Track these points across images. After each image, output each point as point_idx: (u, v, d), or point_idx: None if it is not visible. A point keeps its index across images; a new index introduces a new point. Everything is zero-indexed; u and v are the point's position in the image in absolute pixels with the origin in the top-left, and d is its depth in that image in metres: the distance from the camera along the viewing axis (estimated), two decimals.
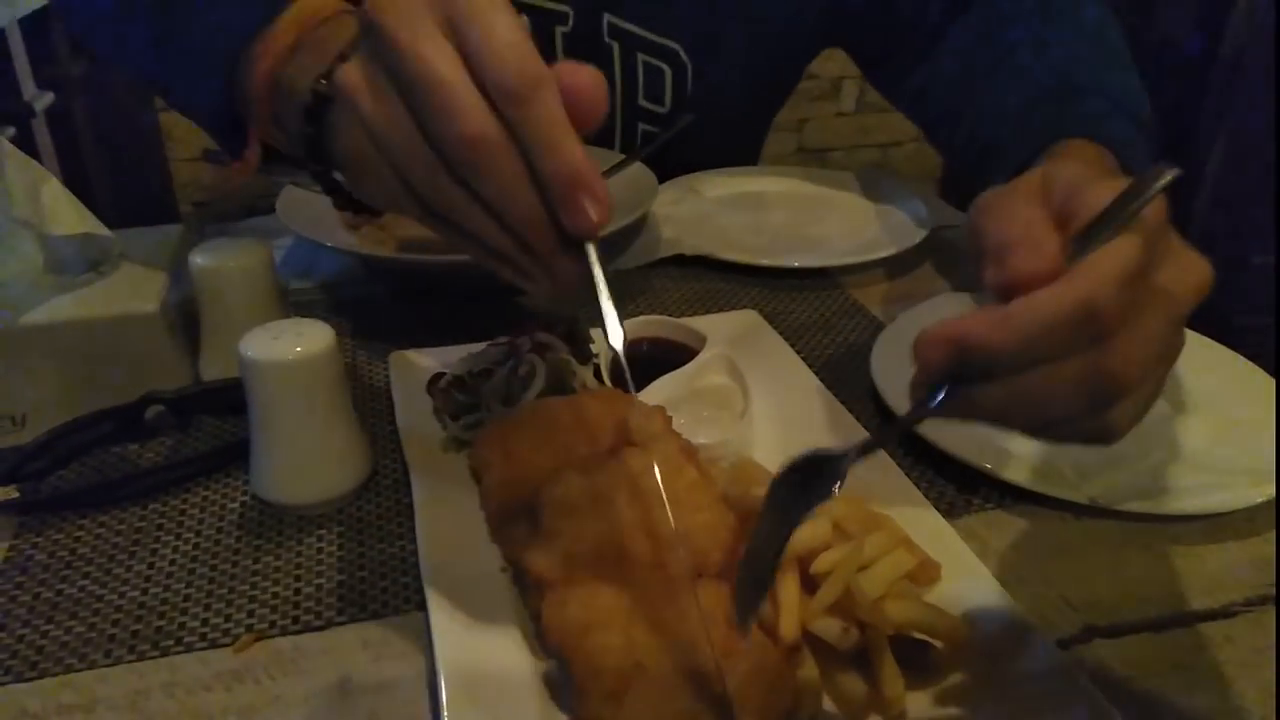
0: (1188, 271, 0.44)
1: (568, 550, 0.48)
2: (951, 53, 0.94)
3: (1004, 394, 0.41)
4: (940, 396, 0.42)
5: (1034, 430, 0.45)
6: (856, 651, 0.46)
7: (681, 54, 1.04)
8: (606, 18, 1.02)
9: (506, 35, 0.41)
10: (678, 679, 0.44)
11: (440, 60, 0.41)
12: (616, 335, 0.45)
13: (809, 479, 0.43)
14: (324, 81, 0.51)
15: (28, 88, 1.75)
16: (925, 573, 0.52)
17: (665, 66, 1.05)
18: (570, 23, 1.02)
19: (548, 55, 1.05)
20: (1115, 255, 0.40)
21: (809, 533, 0.49)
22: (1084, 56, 0.83)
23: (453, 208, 0.44)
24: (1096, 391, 0.41)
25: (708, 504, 0.51)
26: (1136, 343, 0.41)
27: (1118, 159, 0.68)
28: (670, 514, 0.48)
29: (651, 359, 0.70)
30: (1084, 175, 0.45)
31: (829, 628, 0.46)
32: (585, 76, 0.43)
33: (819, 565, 0.48)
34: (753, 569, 0.45)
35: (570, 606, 0.46)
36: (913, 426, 0.43)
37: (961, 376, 0.41)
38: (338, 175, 0.55)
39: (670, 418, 0.57)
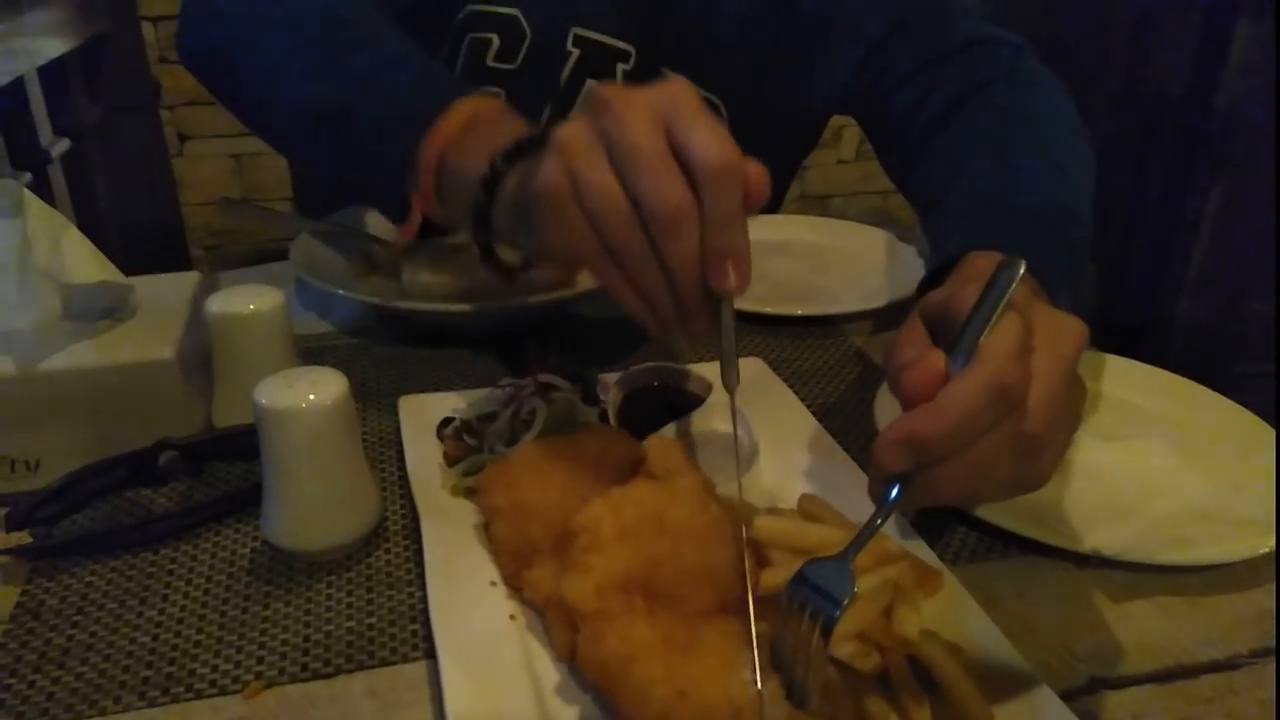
0: (1065, 332, 0.53)
1: (600, 583, 0.48)
2: (942, 152, 0.97)
3: (952, 470, 0.49)
4: (896, 490, 0.49)
5: (980, 497, 0.55)
6: (878, 675, 0.48)
7: (723, 110, 1.08)
8: (662, 68, 1.05)
9: (714, 126, 0.51)
10: (719, 707, 0.45)
11: (657, 141, 0.51)
12: (731, 380, 0.56)
13: (826, 578, 0.46)
14: (500, 159, 0.64)
15: (45, 134, 1.78)
16: (930, 582, 0.53)
17: None
18: (632, 61, 1.05)
19: None
20: (1004, 337, 0.49)
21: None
22: (1033, 170, 0.85)
23: (633, 257, 0.52)
24: (1022, 451, 0.50)
25: (729, 539, 0.52)
26: (1043, 403, 0.49)
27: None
28: (698, 548, 0.51)
29: (658, 405, 0.71)
30: (952, 289, 0.57)
31: (854, 652, 0.47)
32: (757, 168, 0.52)
33: None
34: (797, 668, 0.46)
35: (609, 640, 0.47)
36: (881, 525, 0.49)
37: (909, 476, 0.49)
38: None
39: (687, 453, 0.58)
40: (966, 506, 0.63)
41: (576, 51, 1.04)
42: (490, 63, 1.05)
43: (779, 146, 1.18)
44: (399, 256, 0.88)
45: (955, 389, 0.48)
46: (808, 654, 0.45)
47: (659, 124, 0.51)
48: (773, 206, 1.27)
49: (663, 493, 0.53)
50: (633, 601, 0.48)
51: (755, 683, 0.46)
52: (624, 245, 0.52)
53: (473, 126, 0.72)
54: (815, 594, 0.46)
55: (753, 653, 0.47)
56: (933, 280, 0.75)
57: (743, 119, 1.09)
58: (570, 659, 0.49)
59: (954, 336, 0.51)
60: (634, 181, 0.51)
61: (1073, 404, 0.53)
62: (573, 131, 0.53)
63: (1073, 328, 0.54)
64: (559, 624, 0.50)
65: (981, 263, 0.64)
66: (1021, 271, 0.52)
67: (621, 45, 1.05)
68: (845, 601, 0.45)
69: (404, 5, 0.99)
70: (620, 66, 1.06)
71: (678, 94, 0.52)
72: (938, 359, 0.50)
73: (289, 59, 0.83)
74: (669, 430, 0.66)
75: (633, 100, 0.52)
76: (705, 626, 0.48)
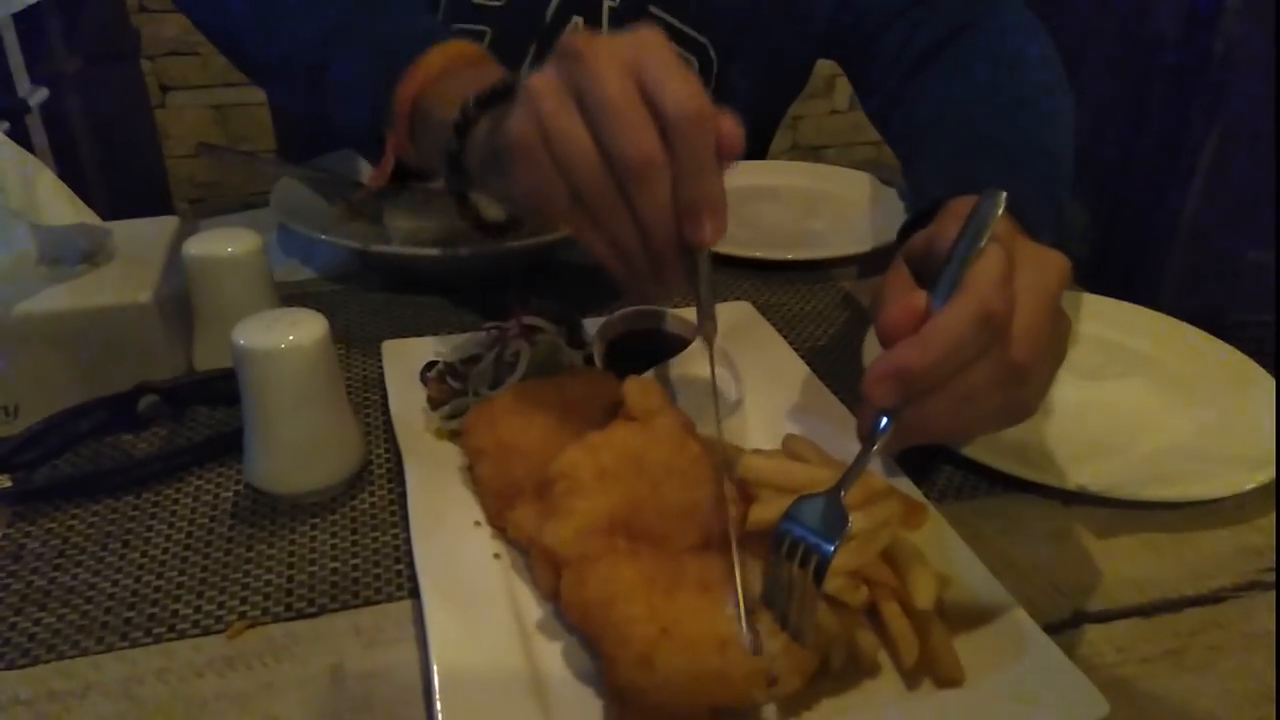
0: (1047, 264, 0.54)
1: (580, 527, 0.48)
2: (923, 98, 0.96)
3: (940, 402, 0.50)
4: (884, 423, 0.50)
5: (969, 431, 0.56)
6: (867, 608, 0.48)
7: (710, 50, 1.06)
8: (651, 7, 1.04)
9: (685, 76, 0.49)
10: (704, 641, 0.45)
11: (628, 90, 0.49)
12: (710, 331, 0.55)
13: (816, 515, 0.47)
14: (472, 105, 0.64)
15: (22, 84, 1.75)
16: (914, 517, 0.53)
17: (694, 59, 1.06)
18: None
19: (595, 26, 1.08)
20: (987, 267, 0.50)
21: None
22: (1014, 111, 0.85)
23: (605, 208, 0.51)
24: (1009, 380, 0.50)
25: (710, 478, 0.52)
26: (1028, 331, 0.50)
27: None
28: (679, 488, 0.51)
29: (644, 349, 0.71)
30: (934, 229, 0.58)
31: (842, 586, 0.47)
32: (730, 121, 0.51)
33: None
34: (790, 603, 0.46)
35: (590, 583, 0.47)
36: (870, 459, 0.49)
37: (897, 411, 0.50)
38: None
39: (665, 392, 0.57)
40: (955, 444, 0.63)
41: None
42: (476, 1, 1.03)
43: (766, 91, 1.16)
44: (373, 199, 0.87)
45: (940, 319, 0.49)
46: (801, 591, 0.45)
47: (630, 73, 0.50)
48: (759, 153, 1.26)
49: (641, 434, 0.53)
50: (615, 544, 0.48)
51: (740, 617, 0.45)
52: (595, 195, 0.51)
53: (449, 71, 0.72)
54: (807, 531, 0.46)
55: (737, 587, 0.47)
56: (915, 225, 0.74)
57: (730, 62, 1.08)
58: (555, 600, 0.49)
59: (936, 273, 0.52)
60: (604, 131, 0.50)
61: (1057, 335, 0.54)
62: (543, 80, 0.52)
63: (1055, 260, 0.55)
64: (543, 569, 0.50)
65: (963, 205, 0.64)
66: (1002, 202, 0.53)
67: None
68: (838, 539, 0.45)
69: None
70: (606, 4, 1.03)
71: (649, 42, 0.51)
72: (919, 297, 0.51)
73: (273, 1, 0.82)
74: (654, 375, 0.66)
75: (603, 49, 0.51)
76: (688, 564, 0.48)
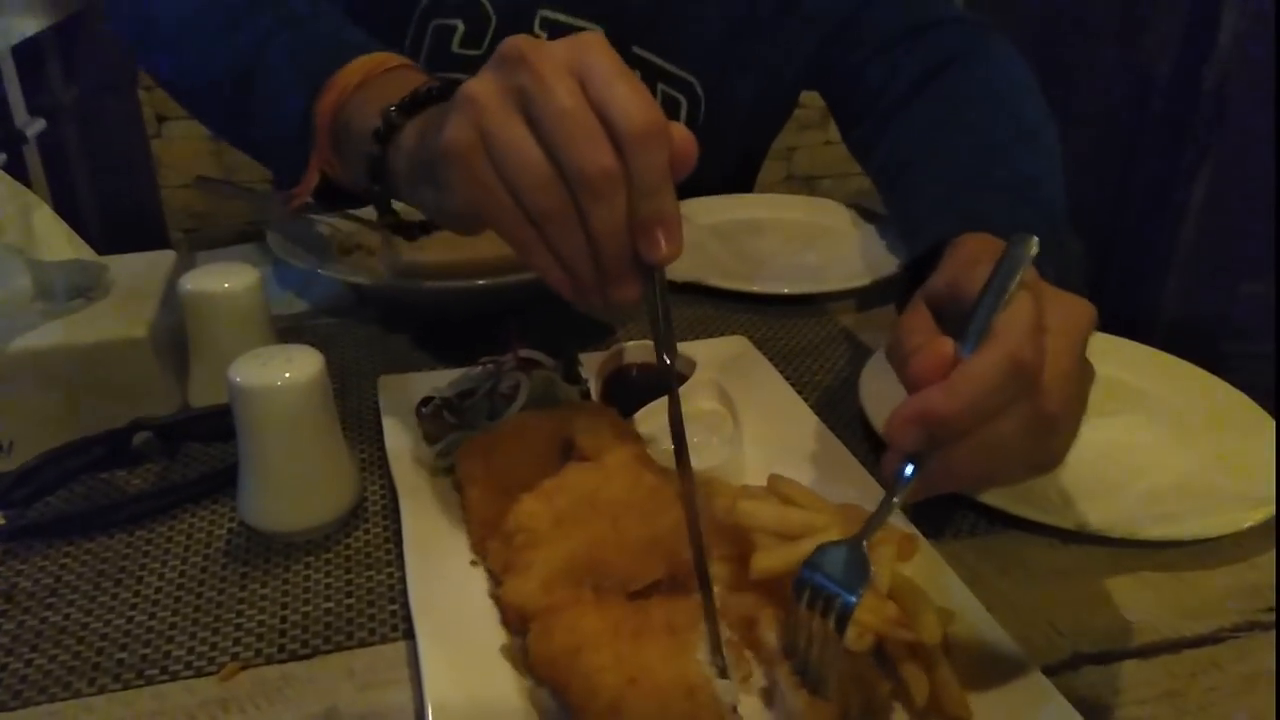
0: (1074, 311, 0.52)
1: (542, 579, 0.48)
2: (908, 129, 0.96)
3: (967, 451, 0.47)
4: (910, 471, 0.47)
5: (995, 480, 0.54)
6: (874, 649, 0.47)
7: (697, 86, 1.07)
8: (634, 48, 1.04)
9: (634, 85, 0.48)
10: (672, 687, 0.44)
11: (580, 100, 0.47)
12: (672, 352, 0.53)
13: (837, 564, 0.46)
14: (394, 111, 0.63)
15: (19, 114, 1.75)
16: (906, 548, 0.53)
17: (682, 98, 1.07)
18: None
19: None
20: (1018, 315, 0.48)
21: (815, 546, 0.50)
22: (1012, 147, 0.85)
23: (556, 222, 0.49)
24: (1038, 430, 0.49)
25: (671, 504, 0.52)
26: (1059, 381, 0.49)
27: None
28: (639, 522, 0.50)
29: (641, 384, 0.71)
30: (955, 271, 0.56)
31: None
32: (682, 133, 0.49)
33: None
34: (810, 653, 0.45)
35: (556, 634, 0.46)
36: (893, 509, 0.48)
37: (922, 455, 0.47)
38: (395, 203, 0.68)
39: (620, 424, 0.57)
40: (977, 493, 0.61)
41: (544, 34, 1.03)
42: (456, 49, 1.03)
43: (752, 124, 1.17)
44: (295, 217, 0.87)
45: (971, 366, 0.47)
46: (822, 642, 0.44)
47: (577, 80, 0.48)
48: (747, 184, 1.27)
49: (593, 473, 0.53)
50: (580, 593, 0.48)
51: (710, 663, 0.45)
52: (546, 210, 0.49)
53: (371, 80, 0.70)
54: (828, 581, 0.45)
55: (713, 627, 0.47)
56: (920, 260, 0.74)
57: (716, 97, 1.08)
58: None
59: (963, 319, 0.50)
60: (558, 143, 0.47)
61: (1084, 384, 0.52)
62: (483, 86, 0.49)
63: (1082, 307, 0.53)
64: (510, 619, 0.50)
65: (975, 244, 0.64)
66: (1034, 248, 0.51)
67: (588, 25, 1.03)
68: (860, 589, 0.44)
69: None
70: None
71: (594, 47, 0.49)
72: (945, 343, 0.49)
73: (198, 17, 0.82)
74: (651, 410, 0.65)
75: (548, 53, 0.48)
76: (654, 608, 0.48)
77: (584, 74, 0.48)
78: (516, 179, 0.48)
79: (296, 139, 0.74)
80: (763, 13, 1.06)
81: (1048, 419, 0.48)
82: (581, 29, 1.03)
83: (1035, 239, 0.51)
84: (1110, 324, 0.82)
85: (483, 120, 0.49)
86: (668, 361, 0.53)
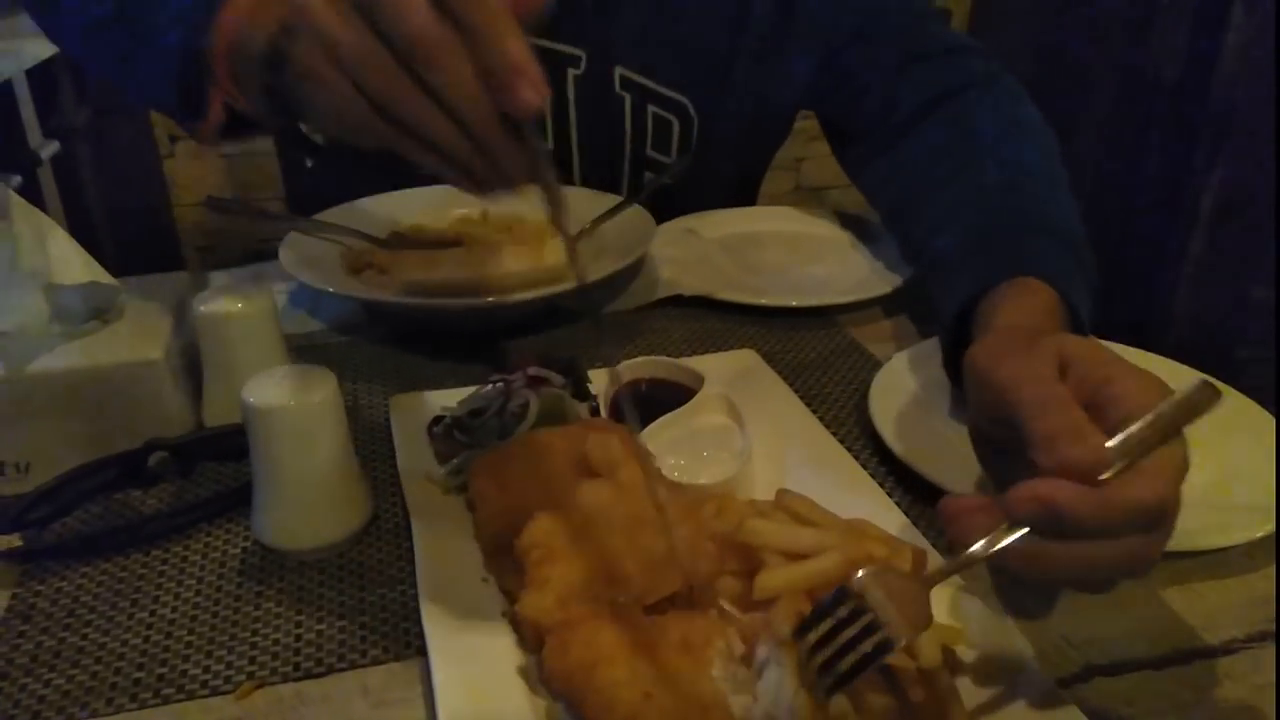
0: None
1: (559, 595, 0.48)
2: (916, 150, 0.97)
3: (1071, 555, 0.47)
4: (1016, 536, 0.46)
5: (1065, 582, 0.53)
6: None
7: (689, 108, 1.07)
8: (619, 70, 1.05)
9: None
10: (687, 703, 0.45)
11: None
12: (564, 222, 0.51)
13: (907, 602, 0.45)
14: (280, 33, 0.56)
15: (34, 137, 1.78)
16: (918, 562, 0.53)
17: (674, 119, 1.07)
18: (583, 66, 1.04)
19: (561, 97, 1.07)
20: (1176, 462, 0.47)
21: (820, 566, 0.50)
22: (1037, 180, 0.85)
23: (404, 104, 0.48)
24: (1139, 564, 0.49)
25: (682, 518, 0.52)
26: (1169, 535, 0.49)
27: (1060, 295, 0.69)
28: (653, 535, 0.50)
29: (650, 399, 0.71)
30: (1102, 361, 0.52)
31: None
32: None
33: None
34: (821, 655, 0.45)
35: (572, 649, 0.47)
36: (975, 563, 0.47)
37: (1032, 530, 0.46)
38: (303, 128, 0.64)
39: (630, 440, 0.58)
40: (1042, 579, 0.56)
41: None
42: None
43: (749, 141, 1.17)
44: (210, 144, 0.85)
45: (1127, 491, 0.46)
46: (852, 656, 0.43)
47: None
48: (748, 198, 1.27)
49: (606, 489, 0.53)
50: (596, 609, 0.48)
51: (723, 678, 0.46)
52: (386, 92, 0.48)
53: (263, 4, 0.66)
54: (886, 608, 0.44)
55: (723, 641, 0.47)
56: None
57: (710, 117, 1.09)
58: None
59: (1114, 424, 0.48)
60: (379, 21, 0.46)
61: None
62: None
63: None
64: (525, 634, 0.50)
65: (1041, 294, 0.66)
66: (1216, 403, 0.49)
67: (572, 51, 1.04)
68: (910, 635, 0.44)
69: None
70: (571, 72, 1.05)
71: None
72: (1102, 443, 0.47)
73: None
74: (660, 425, 0.66)
75: None
76: (670, 624, 0.48)
77: None
78: (359, 73, 0.48)
79: (191, 76, 0.72)
80: (756, 34, 1.06)
81: (1150, 559, 0.49)
82: (564, 53, 1.04)
83: (1218, 392, 0.49)
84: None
85: (319, 28, 0.48)
86: (565, 234, 0.51)
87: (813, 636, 0.45)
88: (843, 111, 1.08)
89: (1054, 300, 0.68)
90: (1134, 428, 0.47)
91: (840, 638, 0.44)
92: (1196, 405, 0.48)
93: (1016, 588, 0.58)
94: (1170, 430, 0.47)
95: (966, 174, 0.88)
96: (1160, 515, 0.47)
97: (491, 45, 0.46)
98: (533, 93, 0.47)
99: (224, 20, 0.68)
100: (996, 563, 0.48)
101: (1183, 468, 0.48)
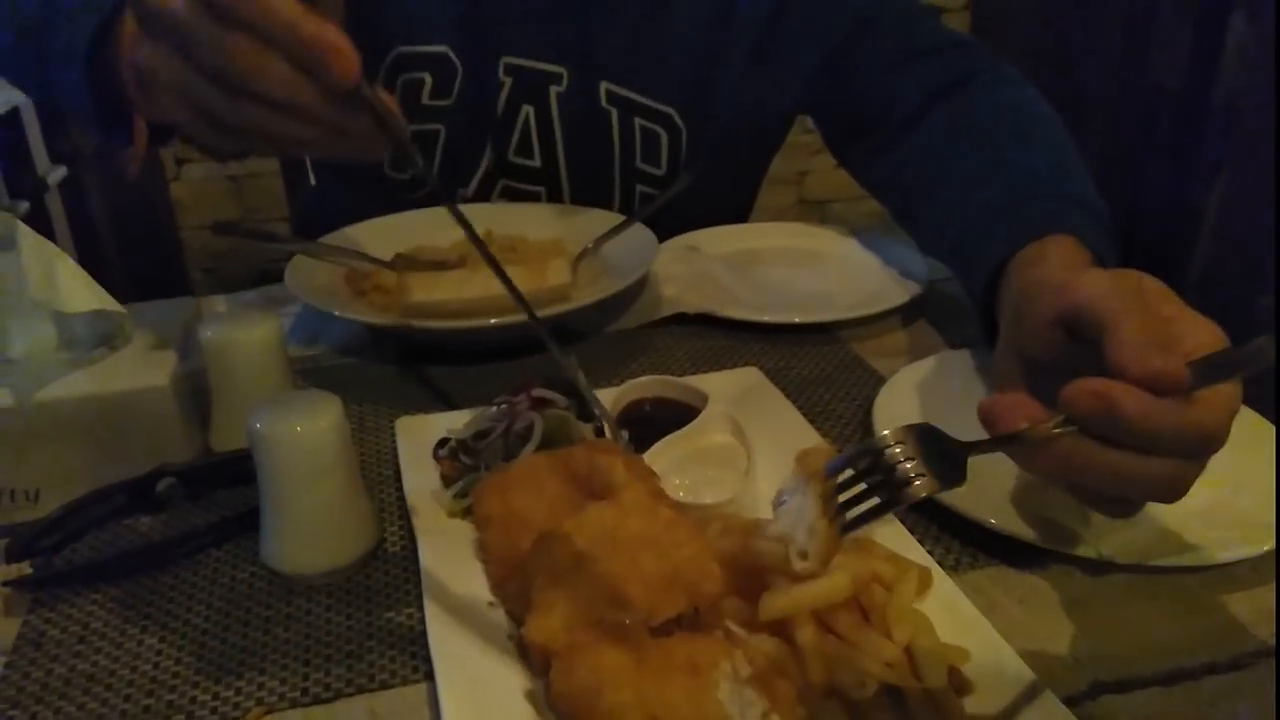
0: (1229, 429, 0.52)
1: (564, 618, 0.48)
2: (923, 143, 0.98)
3: (1109, 461, 0.49)
4: (1064, 429, 0.49)
5: (1092, 494, 0.54)
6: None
7: (676, 118, 1.07)
8: (604, 85, 1.05)
9: None
10: None
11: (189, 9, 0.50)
12: (415, 158, 0.58)
13: (945, 457, 0.46)
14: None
15: (41, 162, 1.79)
16: (922, 582, 0.54)
17: (661, 130, 1.08)
18: (565, 83, 1.05)
19: (545, 114, 1.08)
20: (1232, 401, 0.50)
21: (825, 586, 0.50)
22: (1050, 153, 0.88)
23: (236, 115, 0.53)
24: (1168, 490, 0.51)
25: (688, 538, 0.52)
26: (1201, 469, 0.51)
27: (1089, 249, 0.71)
28: (657, 557, 0.51)
29: (654, 419, 0.71)
30: (1171, 298, 0.55)
31: (850, 681, 0.47)
32: None
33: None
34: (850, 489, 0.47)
35: (578, 672, 0.47)
36: (1030, 443, 0.50)
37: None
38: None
39: (634, 461, 0.58)
40: (1070, 486, 0.56)
41: (509, 80, 1.05)
42: (426, 101, 1.05)
43: (743, 148, 1.18)
44: (136, 175, 0.87)
45: (1184, 410, 0.48)
46: (866, 490, 0.45)
47: None
48: (745, 207, 1.27)
49: (610, 510, 0.53)
50: (604, 632, 0.48)
51: (729, 701, 0.46)
52: (222, 114, 0.53)
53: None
54: (928, 450, 0.45)
55: (729, 663, 0.47)
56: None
57: (700, 126, 1.09)
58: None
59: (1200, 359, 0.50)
60: (188, 52, 0.51)
61: None
62: (127, 24, 0.55)
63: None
64: (534, 662, 0.50)
65: (1070, 246, 0.67)
66: (1271, 354, 0.50)
67: (553, 69, 1.05)
68: (944, 486, 0.45)
69: None
70: (554, 89, 1.06)
71: None
72: (1184, 362, 0.49)
73: None
74: (664, 445, 0.66)
75: None
76: (677, 647, 0.48)
77: None
78: (189, 100, 0.53)
79: (96, 87, 0.74)
80: (743, 42, 1.07)
81: (1182, 487, 0.51)
82: (546, 71, 1.05)
83: (1275, 351, 0.49)
84: None
85: (142, 65, 0.54)
86: (414, 163, 0.58)
87: (841, 477, 0.46)
88: (843, 112, 1.09)
89: (1088, 254, 0.70)
90: (1200, 361, 0.49)
91: (867, 482, 0.45)
92: (1254, 356, 0.49)
93: (1022, 606, 0.58)
94: (1229, 372, 0.49)
95: (978, 156, 0.90)
96: (1208, 443, 0.49)
97: (291, 37, 0.50)
98: (344, 64, 0.51)
99: (123, 41, 0.70)
100: (1029, 463, 0.51)
101: (1235, 408, 0.50)
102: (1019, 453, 0.52)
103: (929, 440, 0.46)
